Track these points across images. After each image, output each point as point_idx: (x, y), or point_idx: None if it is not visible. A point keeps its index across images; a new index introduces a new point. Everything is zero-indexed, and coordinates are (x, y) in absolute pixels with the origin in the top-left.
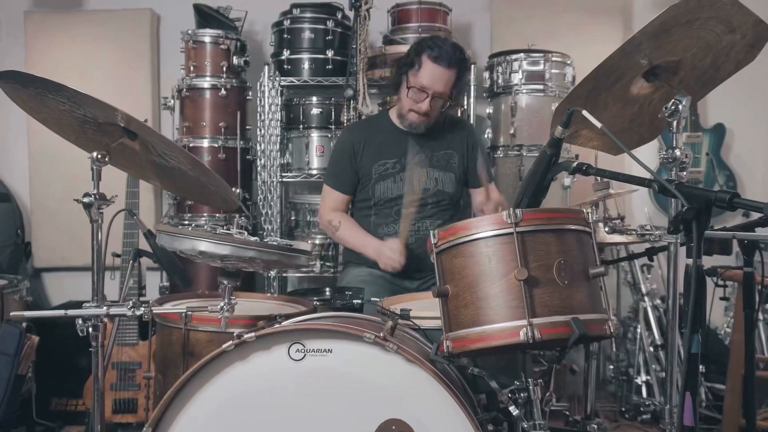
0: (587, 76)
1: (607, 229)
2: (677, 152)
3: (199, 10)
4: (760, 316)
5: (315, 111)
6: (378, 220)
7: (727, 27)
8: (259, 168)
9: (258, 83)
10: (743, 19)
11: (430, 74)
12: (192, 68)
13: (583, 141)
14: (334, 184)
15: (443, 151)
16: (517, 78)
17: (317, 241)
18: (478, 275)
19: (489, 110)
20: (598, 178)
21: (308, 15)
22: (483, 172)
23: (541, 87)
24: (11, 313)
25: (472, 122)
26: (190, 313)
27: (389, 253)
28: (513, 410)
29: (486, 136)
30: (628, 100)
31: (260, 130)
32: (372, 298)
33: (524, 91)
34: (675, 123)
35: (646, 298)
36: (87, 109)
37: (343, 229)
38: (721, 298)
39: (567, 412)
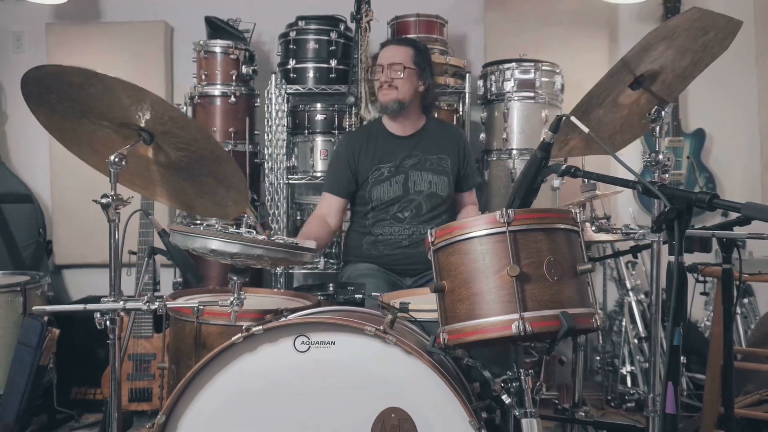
0: (579, 103)
1: (594, 228)
2: (660, 156)
3: (210, 22)
4: (738, 310)
5: (319, 117)
6: (375, 221)
7: (702, 31)
8: (266, 171)
9: (265, 91)
10: (715, 21)
11: (383, 53)
12: (203, 77)
13: (570, 150)
14: (329, 187)
15: (436, 155)
16: (509, 86)
17: None
18: (473, 272)
19: (483, 116)
20: (586, 180)
21: (313, 27)
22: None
23: (531, 94)
24: (33, 308)
25: (466, 128)
26: (201, 307)
27: None
28: (505, 398)
29: (480, 140)
30: (617, 108)
31: (267, 135)
32: (373, 293)
33: (516, 98)
34: (658, 128)
35: (630, 293)
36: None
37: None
38: (701, 293)
39: (556, 401)
